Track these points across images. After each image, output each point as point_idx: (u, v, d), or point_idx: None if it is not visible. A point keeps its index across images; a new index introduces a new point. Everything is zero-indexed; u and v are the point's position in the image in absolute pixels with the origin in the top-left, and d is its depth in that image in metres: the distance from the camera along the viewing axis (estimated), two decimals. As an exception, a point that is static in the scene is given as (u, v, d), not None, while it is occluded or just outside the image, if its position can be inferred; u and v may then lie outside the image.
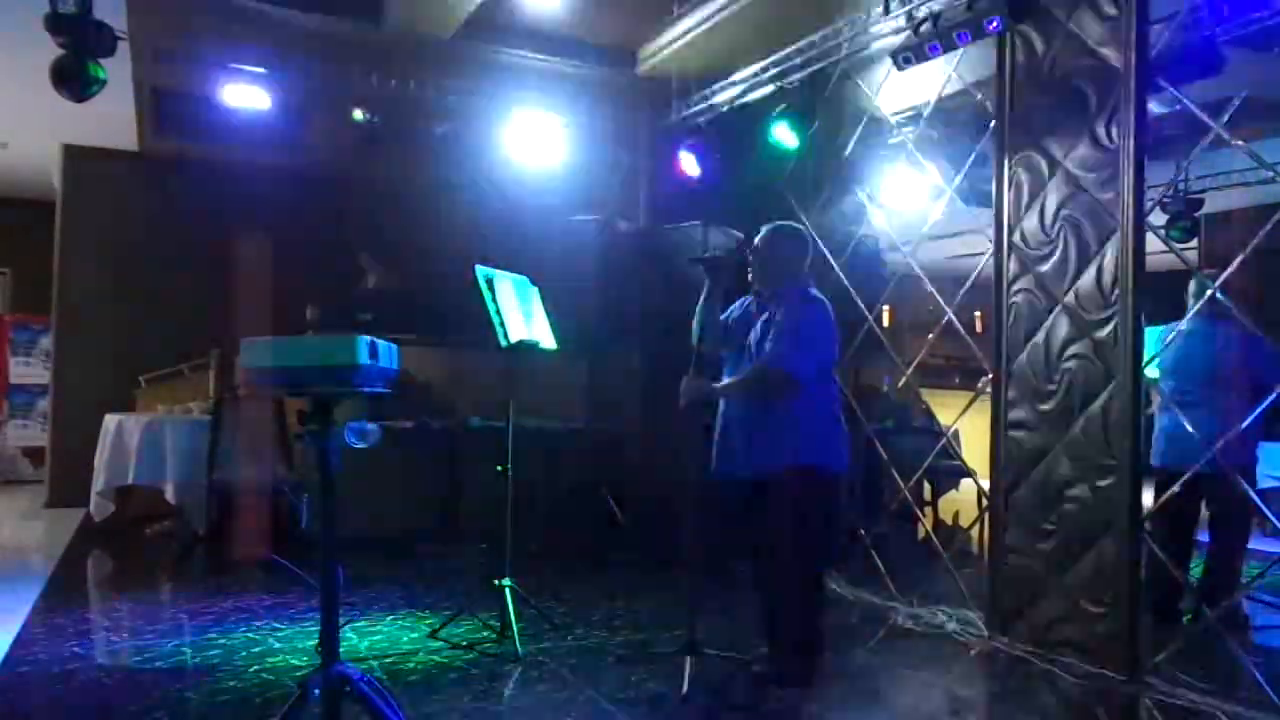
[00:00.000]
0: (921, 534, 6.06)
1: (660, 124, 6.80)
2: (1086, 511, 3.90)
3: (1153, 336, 3.95)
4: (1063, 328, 4.06)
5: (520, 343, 4.20)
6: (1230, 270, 3.81)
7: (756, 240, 3.78)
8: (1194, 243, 8.84)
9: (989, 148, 4.63)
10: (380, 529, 6.19)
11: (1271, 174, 3.78)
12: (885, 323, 10.37)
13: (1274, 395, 3.58)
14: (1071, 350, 4.01)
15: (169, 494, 6.24)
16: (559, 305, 4.77)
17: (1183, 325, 4.23)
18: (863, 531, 5.25)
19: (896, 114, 5.60)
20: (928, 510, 7.16)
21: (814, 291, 3.68)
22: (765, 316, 3.65)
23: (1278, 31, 4.41)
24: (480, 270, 4.15)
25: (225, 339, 6.43)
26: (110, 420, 6.60)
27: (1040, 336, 4.17)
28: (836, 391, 3.71)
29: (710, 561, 5.48)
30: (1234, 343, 4.29)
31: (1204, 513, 4.75)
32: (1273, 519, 3.77)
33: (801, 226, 3.98)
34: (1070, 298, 4.03)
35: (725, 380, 3.73)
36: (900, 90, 5.43)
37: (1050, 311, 4.12)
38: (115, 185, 8.46)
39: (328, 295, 7.41)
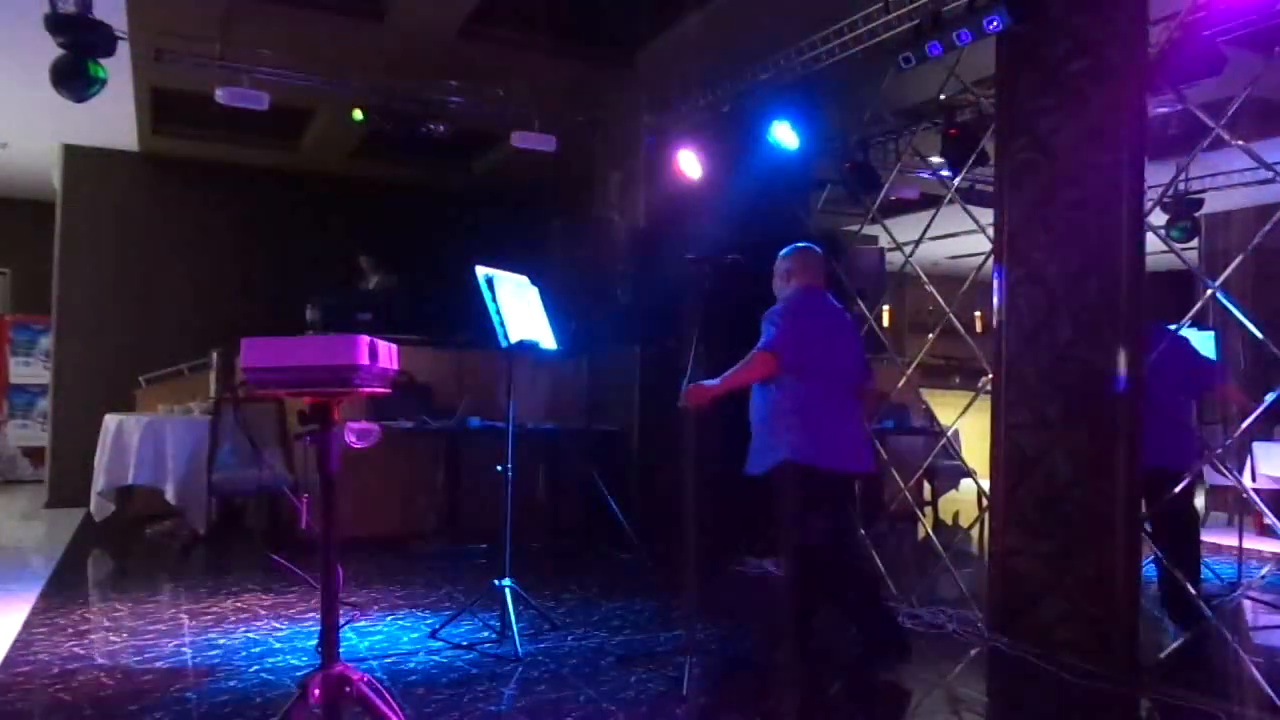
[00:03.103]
0: (921, 534, 6.06)
1: (660, 123, 6.80)
2: (1086, 512, 3.90)
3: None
4: (1063, 328, 4.06)
5: (520, 343, 4.19)
6: (1229, 271, 3.81)
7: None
8: (1194, 243, 8.84)
9: (989, 147, 4.63)
10: (380, 529, 6.20)
11: (1272, 174, 3.78)
12: (885, 323, 10.38)
13: (1274, 396, 3.58)
14: (1072, 351, 4.01)
15: (169, 494, 6.24)
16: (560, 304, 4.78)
17: (1183, 325, 4.23)
18: (863, 531, 5.25)
19: (898, 113, 5.60)
20: (928, 510, 7.16)
21: (800, 298, 3.91)
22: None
23: (1278, 32, 4.40)
24: (480, 270, 4.14)
25: (225, 339, 6.43)
26: (110, 420, 6.60)
27: (1040, 337, 4.17)
28: (827, 389, 3.77)
29: (710, 560, 5.49)
30: (1164, 342, 4.23)
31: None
32: (1272, 519, 3.77)
33: (802, 244, 4.12)
34: (1070, 298, 4.02)
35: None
36: (901, 89, 5.44)
37: (1051, 312, 4.12)
38: (115, 185, 8.47)
39: (328, 295, 7.42)
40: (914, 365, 5.49)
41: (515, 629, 3.97)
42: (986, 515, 4.63)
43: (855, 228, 6.20)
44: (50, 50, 4.93)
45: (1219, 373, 4.30)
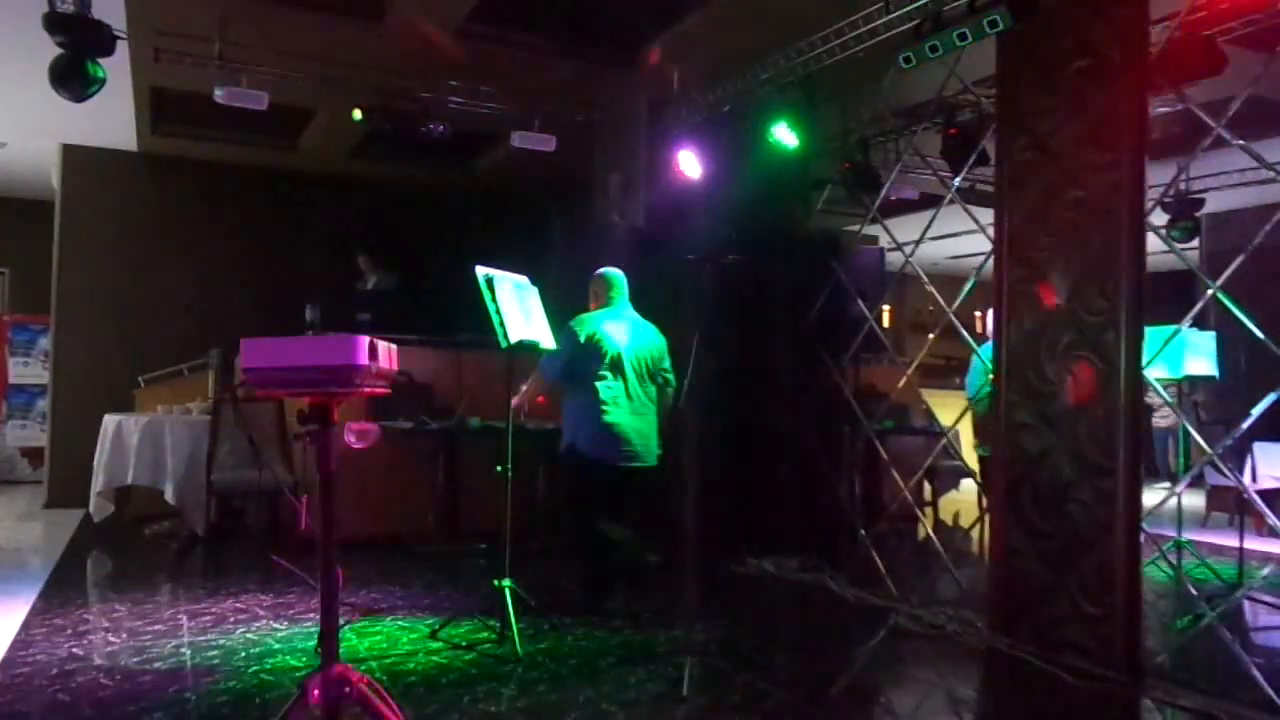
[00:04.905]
0: (922, 534, 6.06)
1: (660, 123, 6.79)
2: (1087, 512, 3.89)
3: (1153, 337, 3.94)
4: (1064, 328, 4.06)
5: (520, 343, 4.19)
6: (1230, 271, 3.80)
7: None
8: (1195, 243, 8.84)
9: (989, 147, 4.62)
10: (380, 529, 6.19)
11: (1273, 174, 3.77)
12: (886, 323, 10.37)
13: (1274, 396, 3.57)
14: (1073, 351, 4.01)
15: (168, 494, 6.23)
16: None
17: (1184, 325, 4.23)
18: (863, 531, 5.25)
19: (898, 113, 5.60)
20: (928, 510, 7.15)
21: (578, 319, 4.58)
22: None
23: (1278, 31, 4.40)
24: (480, 270, 4.14)
25: (225, 339, 6.43)
26: (110, 420, 6.59)
27: (1041, 337, 4.16)
28: (594, 393, 4.49)
29: (710, 560, 5.48)
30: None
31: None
32: (1273, 519, 3.76)
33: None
34: (1071, 298, 4.02)
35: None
36: (901, 89, 5.43)
37: (1051, 312, 4.12)
38: (115, 185, 8.47)
39: (328, 295, 7.42)
40: (914, 365, 5.49)
41: (515, 629, 3.97)
42: (987, 515, 4.63)
43: (855, 228, 6.19)
44: (49, 50, 4.92)
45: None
